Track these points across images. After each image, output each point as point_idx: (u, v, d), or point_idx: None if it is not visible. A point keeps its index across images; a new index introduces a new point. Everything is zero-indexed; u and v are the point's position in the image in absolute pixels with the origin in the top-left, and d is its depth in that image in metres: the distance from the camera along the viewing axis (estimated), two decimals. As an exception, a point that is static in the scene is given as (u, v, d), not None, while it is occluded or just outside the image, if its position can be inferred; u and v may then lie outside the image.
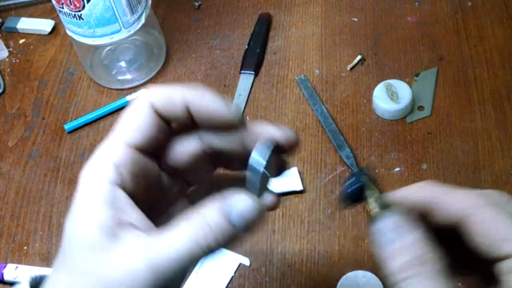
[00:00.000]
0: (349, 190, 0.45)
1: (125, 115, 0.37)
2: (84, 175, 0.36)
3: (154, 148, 0.38)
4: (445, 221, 0.37)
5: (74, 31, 0.76)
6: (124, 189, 0.36)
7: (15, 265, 0.66)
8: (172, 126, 0.39)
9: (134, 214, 0.35)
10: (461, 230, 0.36)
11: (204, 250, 0.35)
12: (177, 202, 0.43)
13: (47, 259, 0.68)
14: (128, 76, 0.83)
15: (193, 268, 0.39)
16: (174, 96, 0.37)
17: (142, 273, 0.33)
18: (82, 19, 0.73)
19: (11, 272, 0.66)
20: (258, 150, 0.38)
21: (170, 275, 0.34)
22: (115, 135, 0.37)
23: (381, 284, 0.62)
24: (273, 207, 0.40)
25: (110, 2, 0.72)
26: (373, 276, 0.63)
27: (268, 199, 0.40)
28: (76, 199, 0.36)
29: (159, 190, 0.41)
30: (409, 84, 0.78)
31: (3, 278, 0.66)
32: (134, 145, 0.37)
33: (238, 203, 0.36)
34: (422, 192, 0.39)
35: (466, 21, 0.85)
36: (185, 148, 0.40)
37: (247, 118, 0.78)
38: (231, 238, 0.36)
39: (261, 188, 0.39)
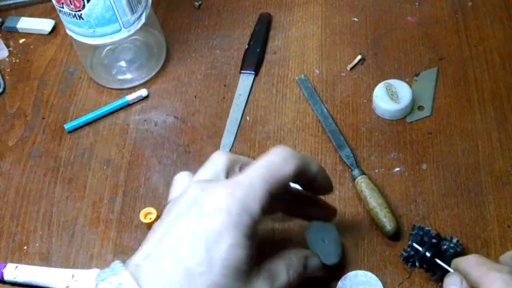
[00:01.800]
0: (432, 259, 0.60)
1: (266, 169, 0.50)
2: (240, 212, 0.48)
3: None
4: None
5: (74, 30, 0.76)
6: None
7: (15, 264, 0.66)
8: None
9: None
10: None
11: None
12: None
13: (47, 259, 0.68)
14: (128, 76, 0.83)
15: None
16: (289, 161, 0.51)
17: None
18: (82, 19, 0.73)
19: (11, 271, 0.66)
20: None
21: None
22: (260, 184, 0.48)
23: (381, 284, 0.62)
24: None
25: (110, 2, 0.72)
26: (373, 276, 0.63)
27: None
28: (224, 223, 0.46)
29: None
30: (409, 84, 0.78)
31: (3, 278, 0.66)
32: (273, 195, 0.49)
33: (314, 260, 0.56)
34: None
35: (466, 21, 0.85)
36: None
37: (247, 118, 0.78)
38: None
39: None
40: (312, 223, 0.62)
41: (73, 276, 0.64)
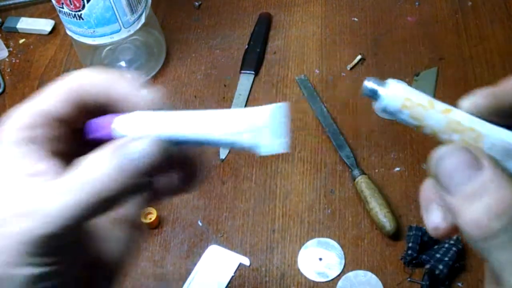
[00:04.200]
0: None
1: (47, 89, 0.37)
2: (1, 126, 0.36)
3: (73, 122, 0.36)
4: None
5: (74, 31, 0.76)
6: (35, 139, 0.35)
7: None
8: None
9: (42, 164, 0.33)
10: None
11: (88, 198, 0.31)
12: None
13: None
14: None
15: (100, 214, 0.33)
16: (97, 81, 0.35)
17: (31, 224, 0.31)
18: (82, 19, 0.73)
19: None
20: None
21: (55, 225, 0.31)
22: (29, 103, 0.37)
23: (381, 284, 0.62)
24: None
25: (110, 2, 0.72)
26: (373, 276, 0.63)
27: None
28: None
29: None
30: (409, 84, 0.78)
31: None
32: (49, 112, 0.36)
33: (129, 147, 0.31)
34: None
35: (466, 21, 0.85)
36: None
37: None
38: (122, 187, 0.31)
39: None
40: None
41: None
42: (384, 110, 0.32)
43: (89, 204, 0.31)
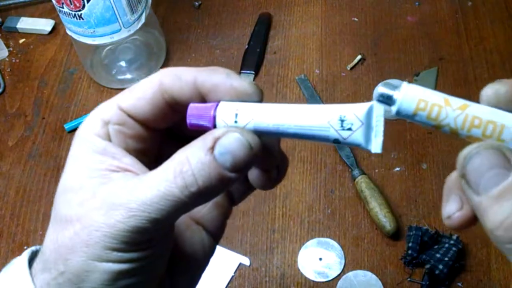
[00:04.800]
0: None
1: (132, 87, 0.36)
2: (76, 133, 0.35)
3: (153, 122, 0.35)
4: None
5: (74, 30, 0.76)
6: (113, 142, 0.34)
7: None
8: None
9: (127, 159, 0.33)
10: None
11: (182, 190, 0.30)
12: None
13: (47, 259, 0.68)
14: (128, 76, 0.83)
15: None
16: (183, 75, 0.34)
17: (120, 216, 0.30)
18: (82, 19, 0.73)
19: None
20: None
21: (147, 218, 0.30)
22: (112, 99, 0.36)
23: (381, 284, 0.62)
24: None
25: (110, 2, 0.72)
26: (373, 276, 0.63)
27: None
28: (68, 155, 0.34)
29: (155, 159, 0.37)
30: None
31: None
32: (128, 110, 0.35)
33: (225, 138, 0.31)
34: None
35: (466, 21, 0.85)
36: None
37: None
38: (217, 179, 0.30)
39: None
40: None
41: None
42: (399, 114, 0.30)
43: (176, 199, 0.30)
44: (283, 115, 0.31)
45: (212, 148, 0.30)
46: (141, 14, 0.77)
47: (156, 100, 0.34)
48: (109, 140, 0.34)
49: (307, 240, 0.67)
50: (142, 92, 0.35)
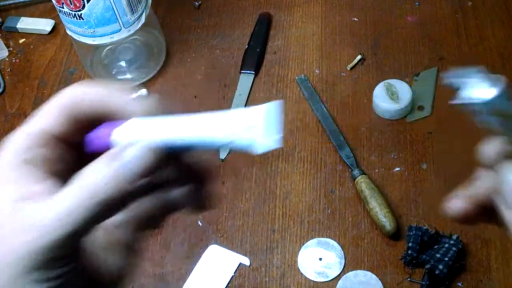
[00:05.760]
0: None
1: (42, 108, 0.38)
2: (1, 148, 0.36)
3: (72, 139, 0.36)
4: None
5: (74, 30, 0.76)
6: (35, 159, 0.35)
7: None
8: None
9: (42, 184, 0.33)
10: None
11: (88, 203, 0.31)
12: None
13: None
14: (128, 76, 0.83)
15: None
16: (90, 93, 0.36)
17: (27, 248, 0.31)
18: (82, 19, 0.73)
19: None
20: None
21: (60, 234, 0.31)
22: (22, 126, 0.37)
23: (381, 284, 0.62)
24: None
25: (110, 2, 0.72)
26: (373, 276, 0.63)
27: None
28: None
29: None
30: (409, 84, 0.78)
31: None
32: (45, 131, 0.37)
33: (124, 153, 0.32)
34: None
35: (466, 21, 0.85)
36: None
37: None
38: (117, 190, 0.32)
39: None
40: None
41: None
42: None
43: (86, 209, 0.31)
44: (179, 128, 0.33)
45: (113, 162, 0.32)
46: (141, 14, 0.77)
47: (69, 117, 0.36)
48: (28, 166, 0.35)
49: (307, 240, 0.67)
50: (56, 112, 0.37)
